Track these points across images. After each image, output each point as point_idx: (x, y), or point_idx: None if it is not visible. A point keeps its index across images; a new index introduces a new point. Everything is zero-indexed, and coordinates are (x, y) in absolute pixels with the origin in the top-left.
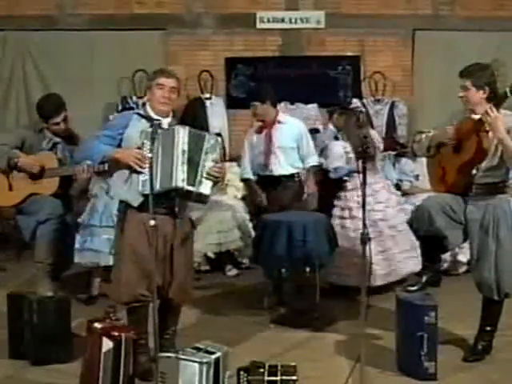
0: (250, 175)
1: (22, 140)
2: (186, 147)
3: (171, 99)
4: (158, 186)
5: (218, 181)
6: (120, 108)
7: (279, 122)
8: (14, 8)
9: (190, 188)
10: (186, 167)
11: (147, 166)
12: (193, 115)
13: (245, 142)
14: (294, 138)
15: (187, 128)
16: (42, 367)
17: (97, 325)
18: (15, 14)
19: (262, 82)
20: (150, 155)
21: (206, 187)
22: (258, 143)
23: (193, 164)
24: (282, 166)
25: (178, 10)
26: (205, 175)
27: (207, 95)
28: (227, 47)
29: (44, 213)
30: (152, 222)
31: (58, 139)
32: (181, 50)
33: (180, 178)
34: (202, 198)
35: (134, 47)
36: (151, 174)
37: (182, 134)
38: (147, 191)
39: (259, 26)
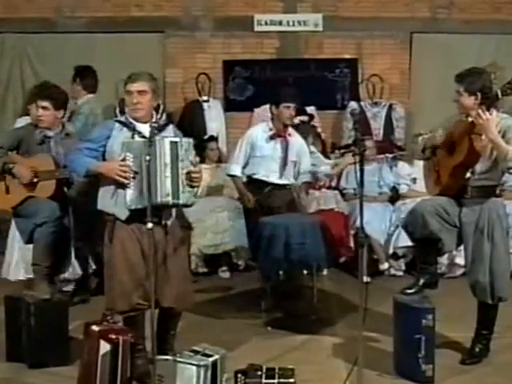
0: (239, 173)
1: (18, 140)
2: (168, 160)
3: (142, 103)
4: (144, 202)
5: (197, 185)
6: (118, 110)
7: (289, 135)
8: (12, 11)
9: (176, 201)
10: (169, 180)
11: (132, 178)
12: (190, 118)
13: (244, 139)
14: (297, 152)
15: (168, 140)
16: (40, 370)
17: (94, 327)
18: (13, 16)
19: (262, 85)
20: (134, 169)
21: (189, 196)
22: (265, 147)
23: (174, 175)
24: (277, 175)
25: (175, 13)
26: (185, 183)
27: (205, 98)
28: (225, 50)
29: (41, 216)
30: (150, 225)
31: (50, 133)
32: (179, 52)
33: (165, 193)
34: (189, 206)
35: (132, 50)
36: (141, 188)
37: (164, 147)
38: (133, 206)
39: (257, 28)
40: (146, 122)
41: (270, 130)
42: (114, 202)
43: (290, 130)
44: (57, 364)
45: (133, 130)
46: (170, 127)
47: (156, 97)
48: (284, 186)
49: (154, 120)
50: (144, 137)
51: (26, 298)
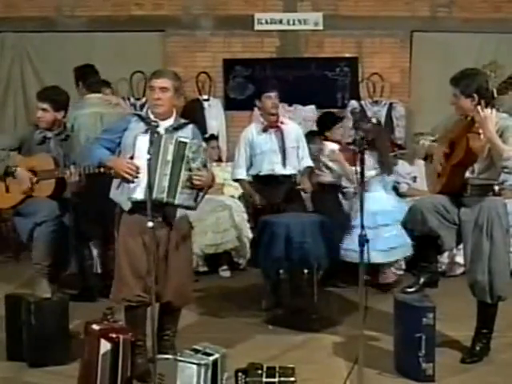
0: (243, 176)
1: (20, 141)
2: (170, 157)
3: (162, 100)
4: (142, 195)
5: (200, 189)
6: None
7: (282, 123)
8: (11, 10)
9: (170, 200)
10: (167, 178)
11: (139, 176)
12: (191, 117)
13: (241, 141)
14: (295, 138)
15: (175, 137)
16: (40, 369)
17: (95, 326)
18: (13, 15)
19: (262, 84)
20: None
21: (187, 198)
22: (263, 142)
23: (174, 174)
24: (283, 165)
25: (176, 12)
26: (185, 185)
27: (205, 97)
28: (225, 49)
29: (41, 215)
30: (150, 224)
31: (49, 134)
32: (179, 51)
33: (160, 190)
34: (187, 208)
35: (132, 49)
36: (149, 180)
37: (169, 144)
38: (134, 199)
39: (257, 27)
40: (165, 119)
41: (262, 124)
42: (120, 192)
43: (282, 118)
44: (57, 363)
45: (148, 124)
46: (190, 127)
47: (178, 95)
48: (289, 176)
49: (174, 118)
50: (158, 133)
51: (26, 297)
